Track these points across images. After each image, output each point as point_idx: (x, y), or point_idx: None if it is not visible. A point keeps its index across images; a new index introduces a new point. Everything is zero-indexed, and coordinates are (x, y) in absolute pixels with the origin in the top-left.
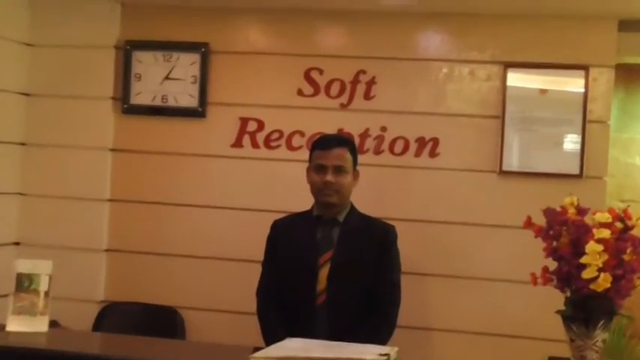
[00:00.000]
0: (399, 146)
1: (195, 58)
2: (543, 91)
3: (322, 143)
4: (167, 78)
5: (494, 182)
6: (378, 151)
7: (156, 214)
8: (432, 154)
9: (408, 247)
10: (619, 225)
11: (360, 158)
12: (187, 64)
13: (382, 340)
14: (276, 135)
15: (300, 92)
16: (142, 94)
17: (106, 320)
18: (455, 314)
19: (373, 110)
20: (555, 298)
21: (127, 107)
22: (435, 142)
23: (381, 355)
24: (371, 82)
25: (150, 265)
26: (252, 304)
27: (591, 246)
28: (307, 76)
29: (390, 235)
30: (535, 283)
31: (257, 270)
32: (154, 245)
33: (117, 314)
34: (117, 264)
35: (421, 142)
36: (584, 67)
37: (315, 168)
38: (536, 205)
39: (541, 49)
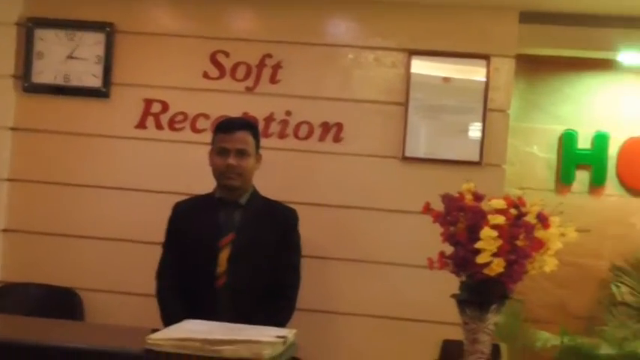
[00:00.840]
0: (303, 131)
1: (99, 37)
2: (446, 79)
3: (225, 126)
4: (70, 57)
5: (397, 168)
6: (282, 135)
7: (57, 194)
8: (336, 139)
9: (312, 231)
10: (513, 211)
11: (265, 142)
12: (91, 44)
13: (282, 322)
14: (180, 117)
15: (205, 75)
16: (43, 73)
17: (1, 301)
18: (356, 298)
19: (278, 94)
20: (453, 283)
21: (28, 86)
22: (339, 127)
23: (279, 337)
24: (277, 67)
25: (49, 246)
26: (153, 286)
27: (486, 231)
28: (213, 59)
29: (291, 218)
30: (432, 267)
31: (158, 252)
32: (54, 226)
33: (13, 295)
34: (15, 244)
35: (325, 127)
36: (486, 57)
37: (218, 151)
38: (437, 191)
39: (445, 37)
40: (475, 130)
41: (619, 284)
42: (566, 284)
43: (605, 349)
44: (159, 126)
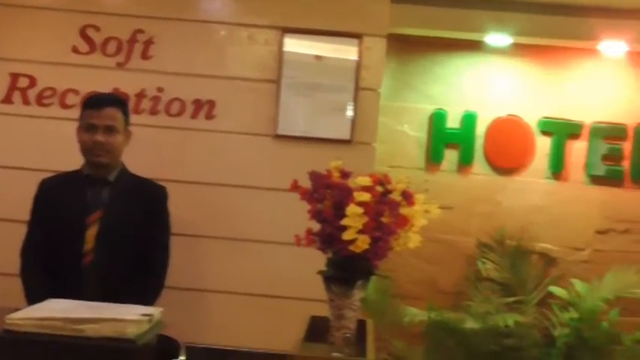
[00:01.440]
0: (175, 107)
1: None
2: (319, 58)
3: (93, 102)
4: None
5: (269, 146)
6: (154, 112)
7: None
8: (209, 116)
9: (183, 209)
10: (379, 189)
11: (136, 119)
12: None
13: (150, 300)
14: (48, 92)
15: (75, 49)
16: None
17: None
18: (225, 275)
19: (150, 70)
20: (321, 260)
21: None
22: (212, 104)
23: (144, 315)
24: (149, 42)
25: None
26: (17, 265)
27: (352, 208)
28: (83, 33)
29: (161, 195)
30: (299, 244)
31: (24, 230)
32: None
33: None
34: None
35: (198, 104)
36: (358, 36)
37: (86, 127)
38: (308, 169)
39: (318, 16)
40: (347, 109)
41: (484, 260)
42: (434, 261)
43: (469, 324)
44: (26, 101)
